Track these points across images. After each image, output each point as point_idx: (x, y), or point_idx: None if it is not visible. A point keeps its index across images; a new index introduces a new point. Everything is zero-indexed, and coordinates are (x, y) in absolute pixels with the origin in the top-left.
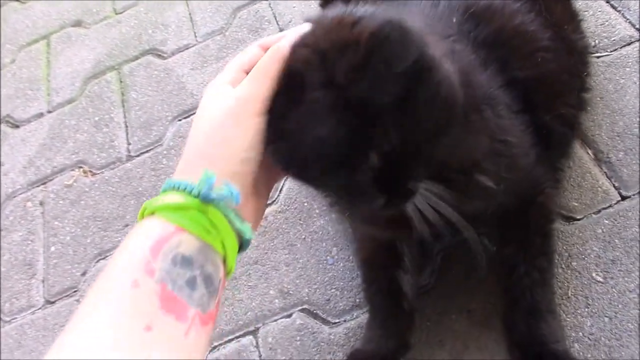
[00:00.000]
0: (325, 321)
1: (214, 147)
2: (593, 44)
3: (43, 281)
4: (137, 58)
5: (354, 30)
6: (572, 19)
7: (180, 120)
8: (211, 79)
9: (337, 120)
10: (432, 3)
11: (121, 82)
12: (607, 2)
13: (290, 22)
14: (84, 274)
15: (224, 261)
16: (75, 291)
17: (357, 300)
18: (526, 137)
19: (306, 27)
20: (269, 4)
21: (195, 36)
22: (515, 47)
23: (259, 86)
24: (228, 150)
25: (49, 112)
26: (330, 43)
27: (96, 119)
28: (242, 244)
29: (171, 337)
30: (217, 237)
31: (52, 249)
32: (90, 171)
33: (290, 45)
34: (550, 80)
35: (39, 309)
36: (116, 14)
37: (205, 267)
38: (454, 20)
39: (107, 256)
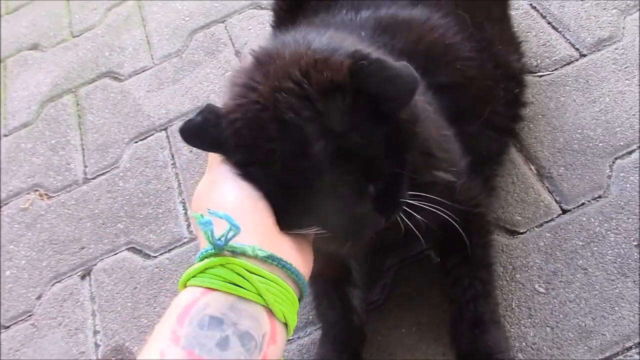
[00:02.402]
0: None
1: (200, 203)
2: (535, 63)
3: None
4: (93, 81)
5: (328, 70)
6: (511, 41)
7: (136, 142)
8: (167, 101)
9: (341, 169)
10: (341, 24)
11: (78, 104)
12: (549, 24)
13: (245, 44)
14: (39, 297)
15: (272, 312)
16: (30, 315)
17: (311, 317)
18: (457, 143)
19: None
20: (225, 26)
21: (152, 58)
22: (434, 56)
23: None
24: (211, 197)
25: (5, 135)
26: (317, 86)
27: (53, 142)
28: (302, 292)
29: None
30: (249, 287)
31: (7, 273)
32: (47, 194)
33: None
34: (473, 86)
35: None
36: (73, 37)
37: (240, 324)
38: (363, 34)
39: (62, 279)
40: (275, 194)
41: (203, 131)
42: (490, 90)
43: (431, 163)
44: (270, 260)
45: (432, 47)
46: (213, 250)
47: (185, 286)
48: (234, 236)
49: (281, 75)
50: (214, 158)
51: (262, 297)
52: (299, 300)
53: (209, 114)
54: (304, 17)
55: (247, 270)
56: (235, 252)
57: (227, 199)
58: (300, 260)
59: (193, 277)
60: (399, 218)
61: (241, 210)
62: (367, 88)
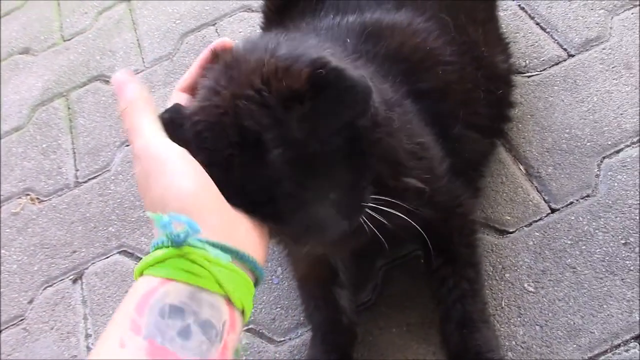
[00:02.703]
0: (270, 340)
1: (155, 194)
2: (524, 64)
3: None
4: (85, 84)
5: (288, 78)
6: (498, 42)
7: (128, 145)
8: (159, 105)
9: (300, 176)
10: (327, 29)
11: (69, 108)
12: (537, 24)
13: None
14: (30, 301)
15: (231, 301)
16: (22, 319)
17: (302, 318)
18: (437, 147)
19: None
20: (216, 29)
21: (143, 62)
22: (416, 61)
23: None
24: (168, 189)
25: None
26: (277, 94)
27: (44, 146)
28: (257, 278)
29: None
30: (208, 277)
31: None
32: (38, 198)
33: (217, 86)
34: (452, 90)
35: None
36: (64, 40)
37: (200, 313)
38: (348, 41)
39: (54, 283)
40: (235, 198)
41: (172, 127)
42: (469, 93)
43: (400, 172)
44: (226, 251)
45: (413, 52)
46: (170, 244)
47: (141, 275)
48: (194, 234)
49: (243, 82)
50: (142, 126)
51: (221, 286)
52: (255, 285)
53: (175, 113)
54: (291, 20)
55: (206, 260)
56: (193, 247)
57: (183, 184)
58: (257, 243)
59: (151, 266)
60: (366, 221)
61: (198, 198)
62: (324, 97)
